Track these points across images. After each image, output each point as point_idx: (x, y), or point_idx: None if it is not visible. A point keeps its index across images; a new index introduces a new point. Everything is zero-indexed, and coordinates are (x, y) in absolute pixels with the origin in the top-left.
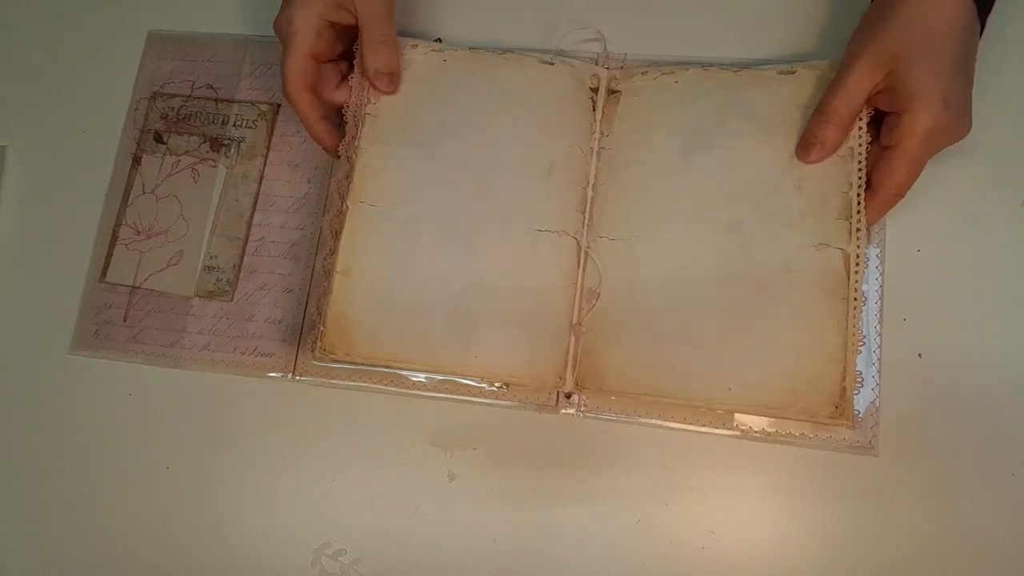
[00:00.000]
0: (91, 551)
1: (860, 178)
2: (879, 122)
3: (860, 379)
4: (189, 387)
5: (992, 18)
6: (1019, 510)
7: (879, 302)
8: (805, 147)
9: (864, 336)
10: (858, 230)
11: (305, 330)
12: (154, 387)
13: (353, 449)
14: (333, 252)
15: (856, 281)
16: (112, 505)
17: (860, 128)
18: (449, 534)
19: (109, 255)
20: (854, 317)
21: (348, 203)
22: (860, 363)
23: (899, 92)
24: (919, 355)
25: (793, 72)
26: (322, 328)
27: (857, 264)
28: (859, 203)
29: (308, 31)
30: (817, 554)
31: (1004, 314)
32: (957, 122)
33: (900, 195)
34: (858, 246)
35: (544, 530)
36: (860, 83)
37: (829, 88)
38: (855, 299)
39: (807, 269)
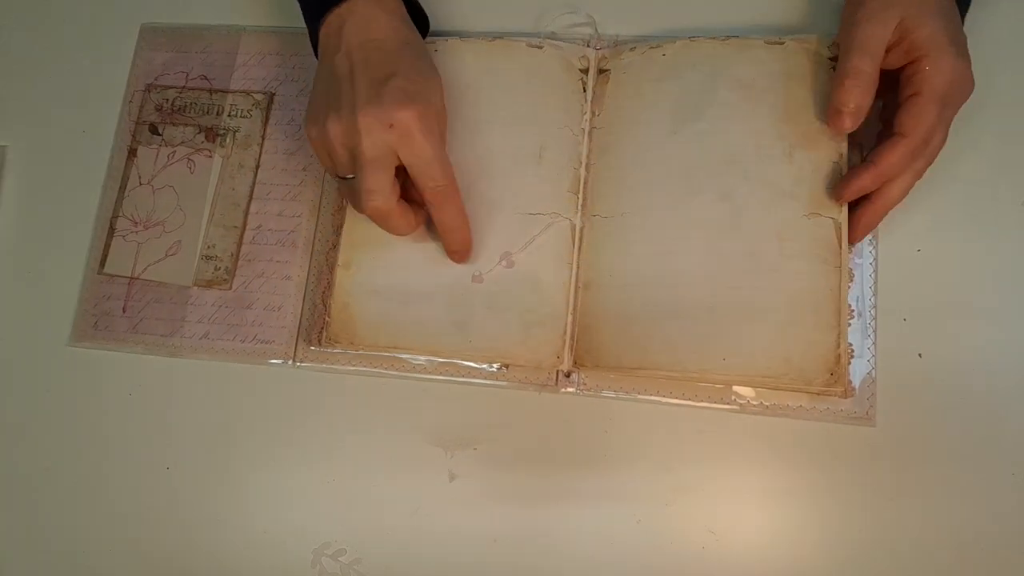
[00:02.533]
0: (91, 549)
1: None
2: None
3: (851, 350)
4: (189, 376)
5: (992, 19)
6: (1019, 510)
7: (873, 275)
8: (836, 116)
9: (857, 310)
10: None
11: (305, 317)
12: (155, 377)
13: (353, 449)
14: (335, 247)
15: (847, 251)
16: (112, 502)
17: None
18: (449, 534)
19: (107, 247)
20: (845, 285)
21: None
22: (854, 335)
23: (914, 40)
24: (919, 355)
25: (782, 43)
26: (327, 319)
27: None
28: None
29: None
30: (817, 555)
31: (1004, 314)
32: (968, 70)
33: (927, 143)
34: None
35: (544, 530)
36: (876, 38)
37: (844, 51)
38: (847, 267)
39: (799, 238)
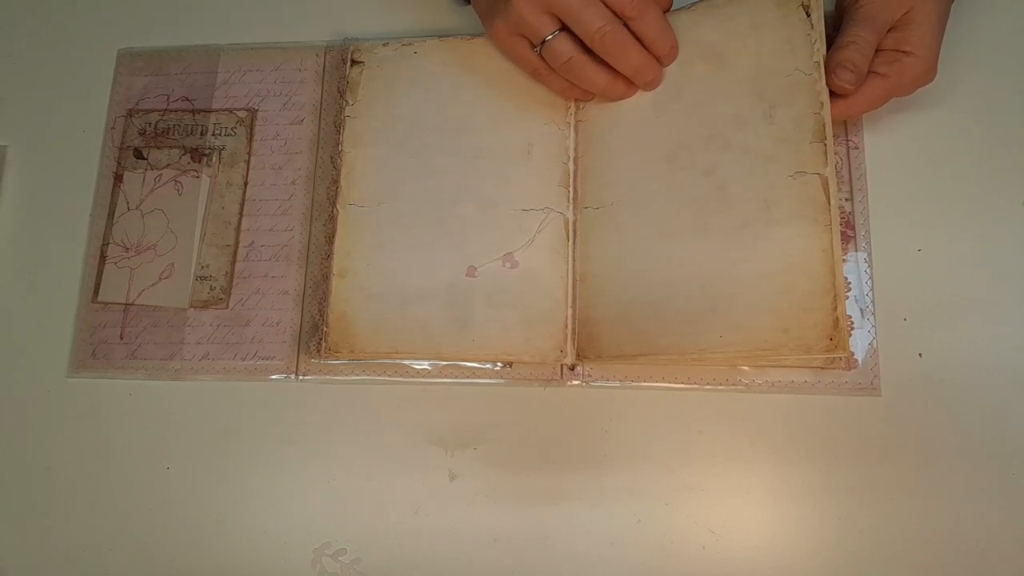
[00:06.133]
0: (91, 549)
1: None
2: None
3: (851, 321)
4: (192, 397)
5: (994, 22)
6: (1019, 510)
7: (867, 246)
8: (839, 71)
9: (849, 281)
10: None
11: (304, 330)
12: (157, 401)
13: (354, 449)
14: (328, 256)
15: (835, 207)
16: (110, 505)
17: (820, 43)
18: (450, 534)
19: (99, 274)
20: (838, 244)
21: (338, 207)
22: (852, 307)
23: (910, 33)
24: (919, 355)
25: None
26: (325, 329)
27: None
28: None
29: None
30: (818, 553)
31: (1004, 314)
32: (933, 75)
33: (857, 116)
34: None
35: (545, 530)
36: (882, 18)
37: (851, 20)
38: (837, 226)
39: (786, 201)
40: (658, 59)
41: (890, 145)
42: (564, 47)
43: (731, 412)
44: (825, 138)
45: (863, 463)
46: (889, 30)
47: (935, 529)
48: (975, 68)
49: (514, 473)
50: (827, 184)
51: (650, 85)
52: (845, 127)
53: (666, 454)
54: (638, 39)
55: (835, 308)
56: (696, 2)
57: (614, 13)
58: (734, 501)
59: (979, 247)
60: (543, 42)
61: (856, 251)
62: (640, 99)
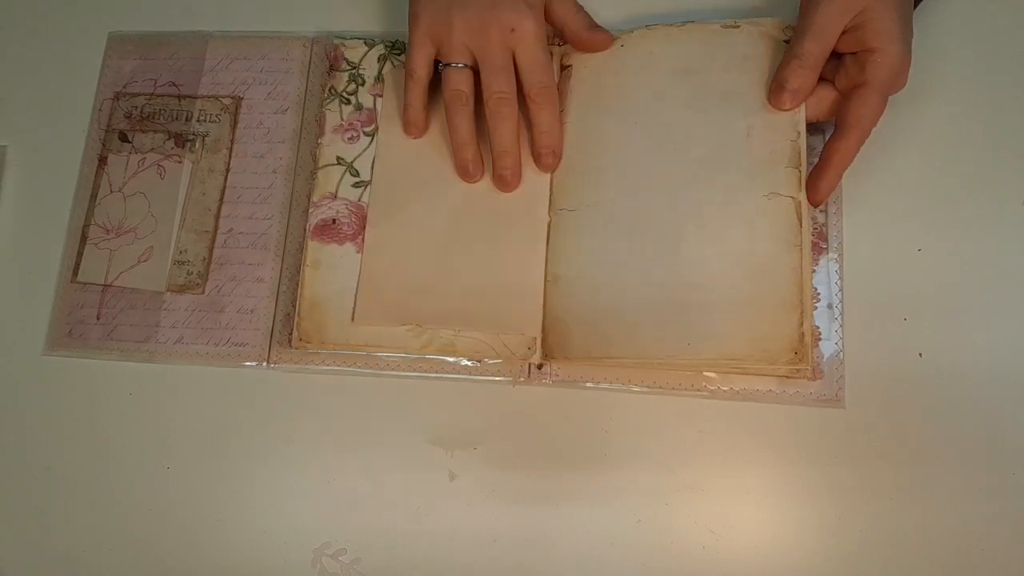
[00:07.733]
0: (90, 549)
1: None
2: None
3: (819, 332)
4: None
5: (996, 15)
6: (1019, 510)
7: (839, 256)
8: (777, 93)
9: (819, 292)
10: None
11: (278, 319)
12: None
13: (353, 449)
14: (303, 247)
15: (807, 229)
16: (110, 505)
17: None
18: (450, 534)
19: (80, 255)
20: (808, 264)
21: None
22: (821, 317)
23: (869, 30)
24: (919, 355)
25: (737, 27)
26: (297, 319)
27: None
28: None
29: None
30: (818, 552)
31: (1004, 314)
32: (908, 62)
33: (871, 130)
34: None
35: (545, 530)
36: (832, 24)
37: (799, 31)
38: (808, 246)
39: (759, 220)
40: (538, 153)
41: (889, 145)
42: (463, 81)
43: (730, 412)
44: (800, 164)
45: (863, 463)
46: (847, 32)
47: (935, 529)
48: (974, 67)
49: (514, 473)
50: (800, 207)
51: (502, 171)
52: (824, 133)
53: (666, 454)
54: (532, 126)
55: (801, 323)
56: (686, 22)
57: (520, 91)
58: (734, 501)
59: (979, 247)
60: (449, 64)
61: (828, 261)
62: (619, 108)
